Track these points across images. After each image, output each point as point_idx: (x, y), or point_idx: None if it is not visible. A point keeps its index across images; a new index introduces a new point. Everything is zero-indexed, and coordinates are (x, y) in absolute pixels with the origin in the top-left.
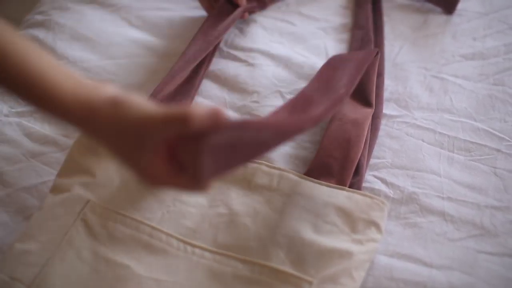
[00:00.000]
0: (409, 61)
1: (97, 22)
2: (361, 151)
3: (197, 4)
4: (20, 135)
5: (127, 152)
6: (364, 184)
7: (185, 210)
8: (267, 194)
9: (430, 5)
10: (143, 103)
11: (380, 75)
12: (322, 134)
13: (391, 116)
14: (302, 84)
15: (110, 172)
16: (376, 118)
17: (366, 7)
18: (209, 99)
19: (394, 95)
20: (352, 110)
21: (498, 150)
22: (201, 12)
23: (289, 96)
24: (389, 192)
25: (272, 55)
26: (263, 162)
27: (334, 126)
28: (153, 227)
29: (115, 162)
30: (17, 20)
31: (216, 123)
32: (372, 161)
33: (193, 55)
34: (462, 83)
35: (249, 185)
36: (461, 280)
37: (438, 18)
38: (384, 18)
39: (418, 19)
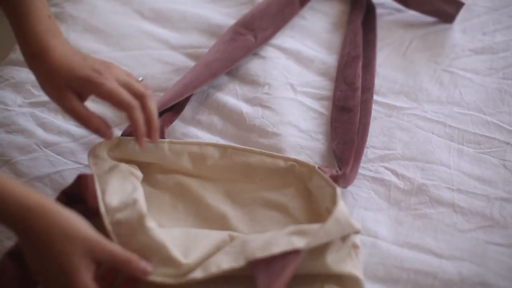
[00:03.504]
0: (419, 54)
1: (109, 14)
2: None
3: None
4: (34, 125)
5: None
6: (374, 175)
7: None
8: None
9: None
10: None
11: (369, 89)
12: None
13: (401, 108)
14: (312, 78)
15: None
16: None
17: (356, 22)
18: (220, 91)
19: (404, 88)
20: None
21: (508, 143)
22: (214, 6)
23: (300, 89)
24: (400, 183)
25: (283, 48)
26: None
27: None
28: None
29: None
30: None
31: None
32: (383, 152)
33: (190, 86)
34: (472, 77)
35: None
36: (470, 270)
37: None
38: (376, 32)
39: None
